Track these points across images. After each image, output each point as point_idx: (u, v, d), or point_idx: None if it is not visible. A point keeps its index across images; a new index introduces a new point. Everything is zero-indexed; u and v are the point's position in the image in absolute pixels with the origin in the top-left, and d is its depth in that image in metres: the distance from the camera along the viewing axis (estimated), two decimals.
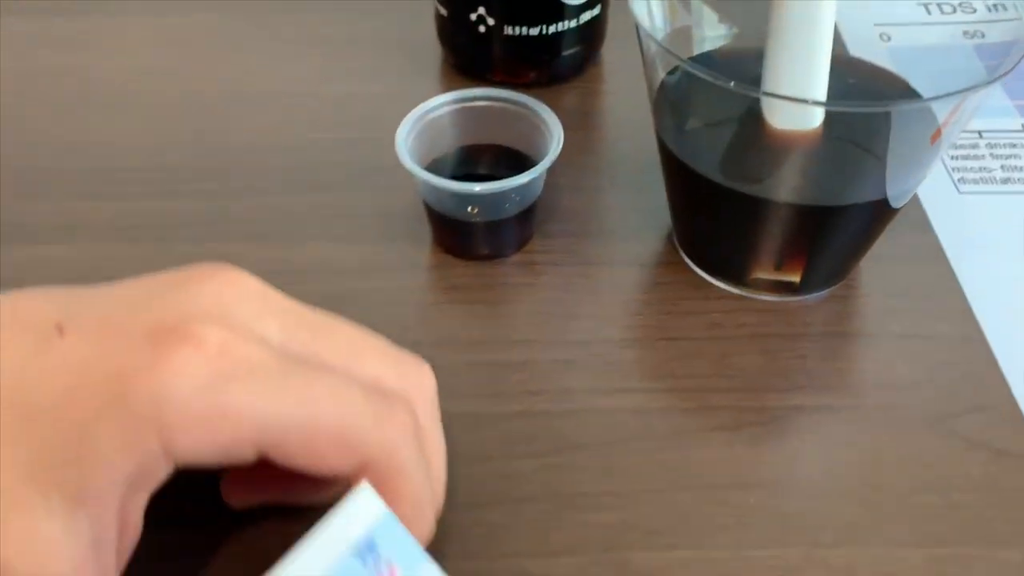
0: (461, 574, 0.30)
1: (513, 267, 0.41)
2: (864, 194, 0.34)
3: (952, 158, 0.46)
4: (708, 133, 0.37)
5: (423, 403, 0.28)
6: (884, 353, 0.37)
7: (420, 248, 0.41)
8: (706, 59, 0.39)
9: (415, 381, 0.28)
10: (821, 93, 0.34)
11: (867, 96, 0.38)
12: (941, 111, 0.33)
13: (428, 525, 0.26)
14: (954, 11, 0.48)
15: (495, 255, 0.41)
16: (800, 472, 0.33)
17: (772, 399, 0.35)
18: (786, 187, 0.35)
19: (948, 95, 0.31)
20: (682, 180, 0.37)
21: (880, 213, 0.36)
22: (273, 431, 0.23)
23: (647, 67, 0.36)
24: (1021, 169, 0.45)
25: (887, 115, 0.33)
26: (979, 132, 0.47)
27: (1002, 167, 0.45)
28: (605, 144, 0.48)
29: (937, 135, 0.34)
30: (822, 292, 0.39)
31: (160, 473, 0.23)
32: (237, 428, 0.23)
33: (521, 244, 0.41)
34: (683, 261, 0.40)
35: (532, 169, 0.38)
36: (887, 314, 0.38)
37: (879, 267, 0.40)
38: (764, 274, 0.38)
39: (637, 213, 0.43)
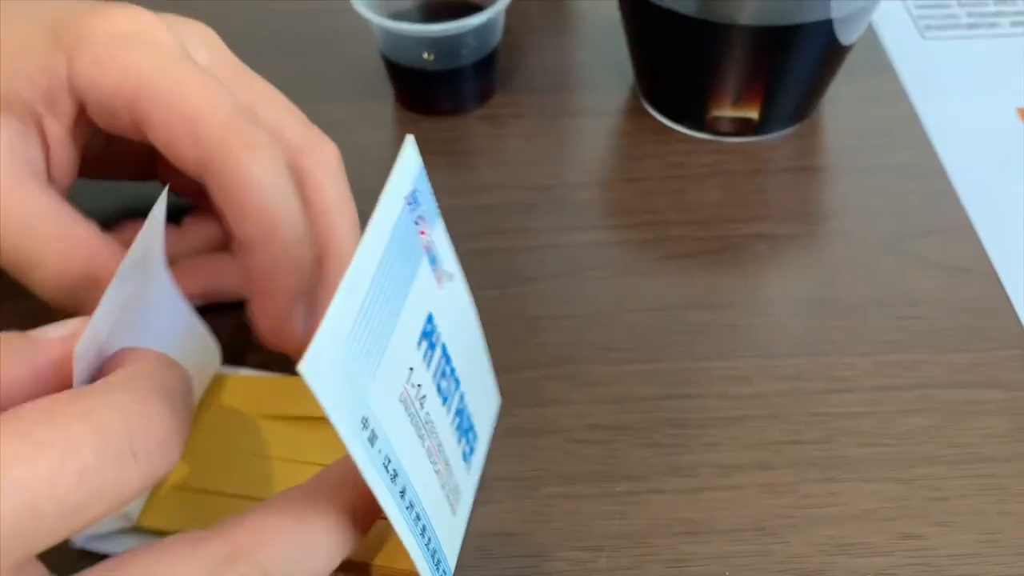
0: None
1: (476, 121, 0.41)
2: (812, 14, 0.34)
3: (917, 7, 0.45)
4: None
5: (320, 164, 0.29)
6: (843, 184, 0.37)
7: (383, 107, 0.42)
8: None
9: (317, 145, 0.29)
10: None
11: None
12: None
13: (284, 260, 0.26)
14: None
15: (457, 109, 0.41)
16: (755, 293, 0.33)
17: (730, 228, 0.35)
18: (739, 11, 0.35)
19: None
20: (639, 16, 0.37)
21: (830, 43, 0.36)
22: (143, 96, 0.26)
23: None
24: (987, 15, 0.45)
25: None
26: None
27: (968, 13, 0.45)
28: (568, 4, 0.48)
29: None
30: (782, 131, 0.39)
31: (65, 102, 0.27)
32: (119, 79, 0.26)
33: (483, 98, 0.41)
34: (645, 110, 0.40)
35: (487, 10, 0.37)
36: (847, 149, 0.39)
37: (840, 108, 0.40)
38: (724, 112, 0.38)
39: (601, 67, 0.43)
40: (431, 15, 0.42)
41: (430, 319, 0.23)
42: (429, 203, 0.22)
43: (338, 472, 0.21)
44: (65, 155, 0.28)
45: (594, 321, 0.33)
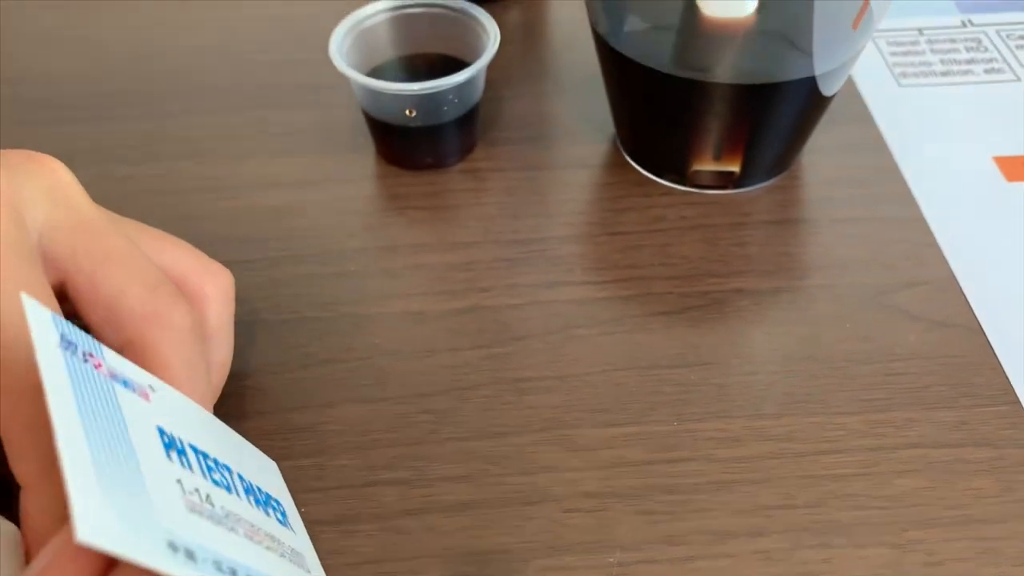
0: (408, 458, 0.30)
1: (457, 175, 0.41)
2: (794, 71, 0.34)
3: (892, 54, 0.46)
4: (642, 23, 0.37)
5: (218, 301, 0.29)
6: (825, 237, 0.37)
7: (363, 160, 0.41)
8: None
9: (214, 278, 0.29)
10: None
11: None
12: None
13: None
14: None
15: (438, 164, 0.41)
16: (741, 350, 0.33)
17: (713, 284, 0.35)
18: (721, 68, 0.35)
19: None
20: (619, 72, 0.37)
21: (812, 97, 0.36)
22: (70, 286, 0.26)
23: None
24: (960, 62, 0.45)
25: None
26: (919, 29, 0.47)
27: (941, 60, 0.45)
28: (549, 55, 0.48)
29: (861, 14, 0.34)
30: (763, 183, 0.39)
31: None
32: (51, 268, 0.25)
33: (464, 152, 0.41)
34: (626, 162, 0.40)
35: (469, 67, 0.37)
36: (828, 201, 0.39)
37: (820, 158, 0.40)
38: (704, 166, 0.38)
39: (581, 119, 0.43)
40: (410, 70, 0.42)
41: (161, 432, 0.22)
42: (83, 338, 0.22)
43: None
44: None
45: (581, 382, 0.32)
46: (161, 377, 0.25)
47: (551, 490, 0.29)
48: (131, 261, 0.26)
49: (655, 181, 0.39)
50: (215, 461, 0.24)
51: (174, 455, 0.22)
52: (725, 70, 0.35)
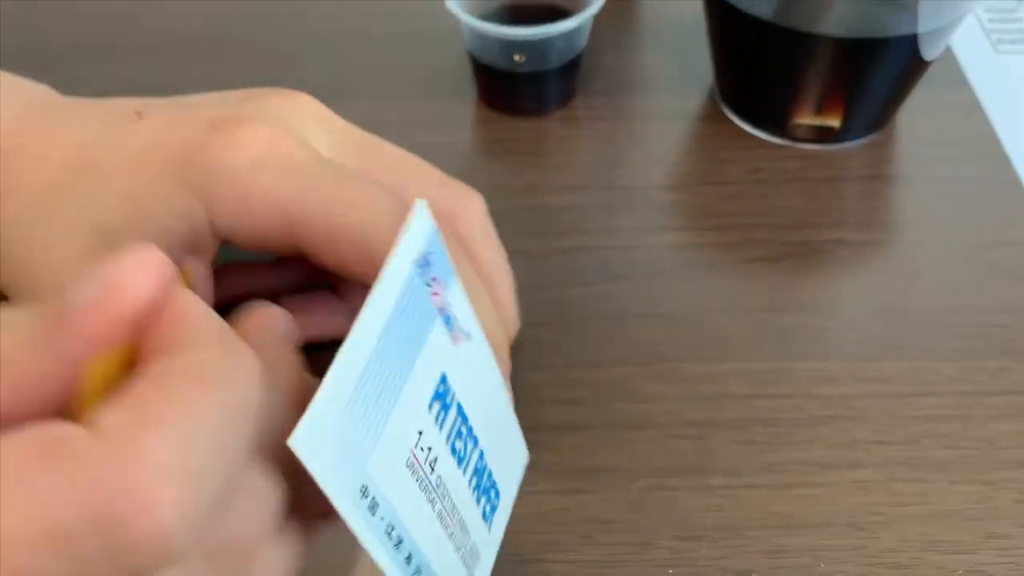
0: (516, 384, 0.32)
1: (557, 122, 0.42)
2: (898, 28, 0.35)
3: (990, 21, 0.46)
4: None
5: (471, 223, 0.28)
6: (920, 194, 0.38)
7: (467, 105, 0.43)
8: None
9: (463, 203, 0.29)
10: None
11: None
12: None
13: (498, 340, 0.26)
14: None
15: (540, 110, 0.42)
16: (839, 297, 0.34)
17: (812, 234, 0.36)
18: (827, 23, 0.36)
19: None
20: (726, 22, 0.38)
21: (914, 57, 0.36)
22: (299, 223, 0.24)
23: None
24: None
25: None
26: None
27: None
28: (649, 6, 0.48)
29: None
30: (861, 140, 0.40)
31: (208, 243, 0.25)
32: (269, 211, 0.24)
33: (564, 100, 0.42)
34: (725, 115, 0.41)
35: (578, 15, 0.38)
36: (924, 160, 0.39)
37: (917, 118, 0.41)
38: (805, 119, 0.39)
39: (679, 72, 0.44)
40: (516, 18, 0.43)
41: (443, 379, 0.22)
42: (443, 264, 0.22)
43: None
44: (206, 289, 0.26)
45: (684, 321, 0.34)
46: (475, 259, 0.26)
47: (655, 418, 0.31)
48: (417, 166, 0.28)
49: (753, 135, 0.40)
50: (469, 430, 0.24)
51: (436, 406, 0.22)
52: (830, 24, 0.36)
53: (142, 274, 0.16)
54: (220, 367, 0.16)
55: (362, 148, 0.28)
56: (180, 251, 0.25)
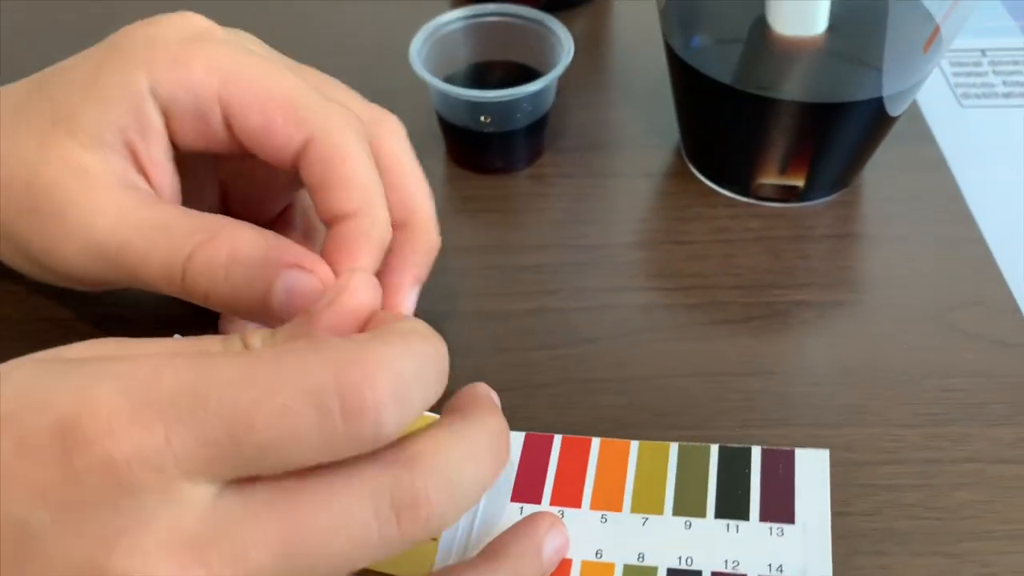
0: None
1: (525, 180, 0.42)
2: (862, 92, 0.35)
3: (955, 75, 0.47)
4: (715, 39, 0.38)
5: (391, 135, 0.31)
6: (885, 253, 0.38)
7: (435, 162, 0.43)
8: None
9: (387, 121, 0.31)
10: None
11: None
12: (938, 11, 0.34)
13: (383, 225, 0.28)
14: None
15: (507, 168, 0.42)
16: (804, 360, 0.34)
17: (777, 295, 0.36)
18: (790, 87, 0.36)
19: None
20: (690, 85, 0.38)
21: (878, 117, 0.37)
22: (233, 86, 0.27)
23: None
24: (1023, 84, 0.46)
25: (885, 20, 0.34)
26: (982, 50, 0.48)
27: (1004, 82, 0.46)
28: (615, 63, 0.49)
29: (932, 38, 0.35)
30: (826, 198, 0.40)
31: (152, 117, 0.28)
32: (207, 74, 0.27)
33: (533, 158, 0.43)
34: (690, 171, 0.42)
35: (544, 77, 0.39)
36: (889, 218, 0.40)
37: (882, 175, 0.41)
38: (769, 179, 0.39)
39: (646, 127, 0.44)
40: (484, 75, 0.43)
41: None
42: None
43: (484, 394, 0.25)
44: (166, 178, 0.29)
45: (648, 385, 0.33)
46: (395, 166, 0.30)
47: None
48: (343, 87, 0.31)
49: (719, 192, 0.41)
50: None
51: None
52: (794, 88, 0.36)
53: (365, 288, 0.22)
54: (424, 332, 0.21)
55: (292, 63, 0.31)
56: (131, 129, 0.27)
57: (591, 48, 0.49)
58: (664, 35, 0.38)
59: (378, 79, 0.46)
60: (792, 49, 0.36)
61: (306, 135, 0.27)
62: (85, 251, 0.27)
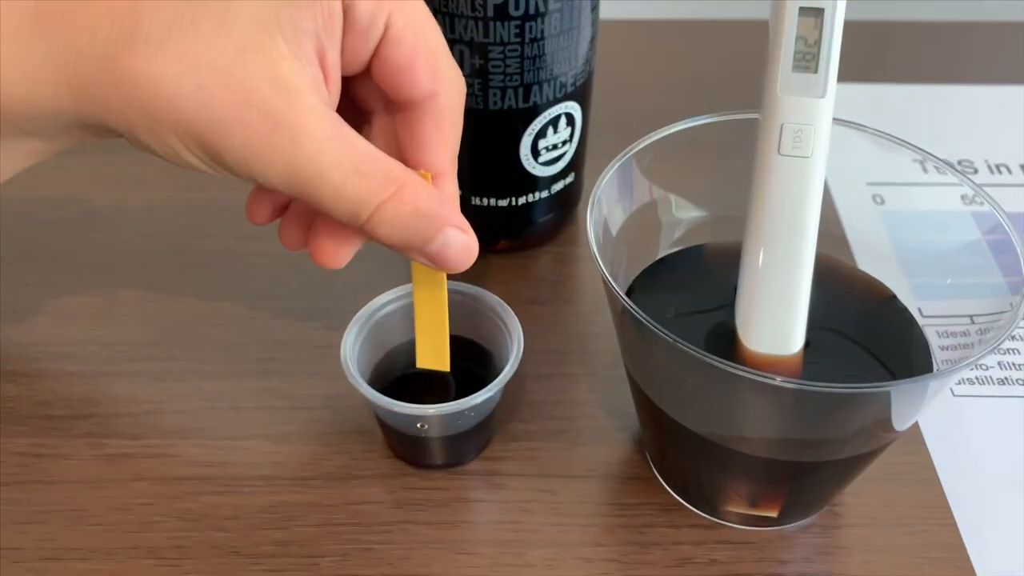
0: None
1: (471, 478, 0.38)
2: (848, 448, 0.31)
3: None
4: (681, 387, 0.34)
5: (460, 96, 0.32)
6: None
7: (370, 453, 0.38)
8: (679, 258, 0.37)
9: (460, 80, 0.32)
10: (802, 308, 0.31)
11: (849, 312, 0.36)
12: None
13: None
14: (953, 170, 0.45)
15: (451, 466, 0.38)
16: None
17: None
18: (764, 440, 0.32)
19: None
20: (652, 416, 0.34)
21: (862, 460, 0.33)
22: (405, 13, 0.29)
23: (606, 287, 0.33)
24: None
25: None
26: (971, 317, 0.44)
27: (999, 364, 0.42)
28: (577, 319, 0.45)
29: None
30: (801, 521, 0.36)
31: (339, 23, 0.28)
32: None
33: (480, 450, 0.38)
34: (654, 477, 0.37)
35: (487, 387, 0.35)
36: (872, 552, 0.35)
37: (867, 491, 0.37)
38: (739, 509, 0.35)
39: (607, 410, 0.40)
40: None
41: None
42: None
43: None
44: (335, 88, 0.29)
45: None
46: (437, 142, 0.31)
47: None
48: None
49: (684, 507, 0.36)
50: None
51: None
52: (769, 443, 0.32)
53: None
54: None
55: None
56: (323, 33, 0.27)
57: (553, 298, 0.45)
58: (624, 358, 0.34)
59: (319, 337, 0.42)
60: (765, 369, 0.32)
61: (436, 90, 0.30)
62: (281, 173, 0.27)
